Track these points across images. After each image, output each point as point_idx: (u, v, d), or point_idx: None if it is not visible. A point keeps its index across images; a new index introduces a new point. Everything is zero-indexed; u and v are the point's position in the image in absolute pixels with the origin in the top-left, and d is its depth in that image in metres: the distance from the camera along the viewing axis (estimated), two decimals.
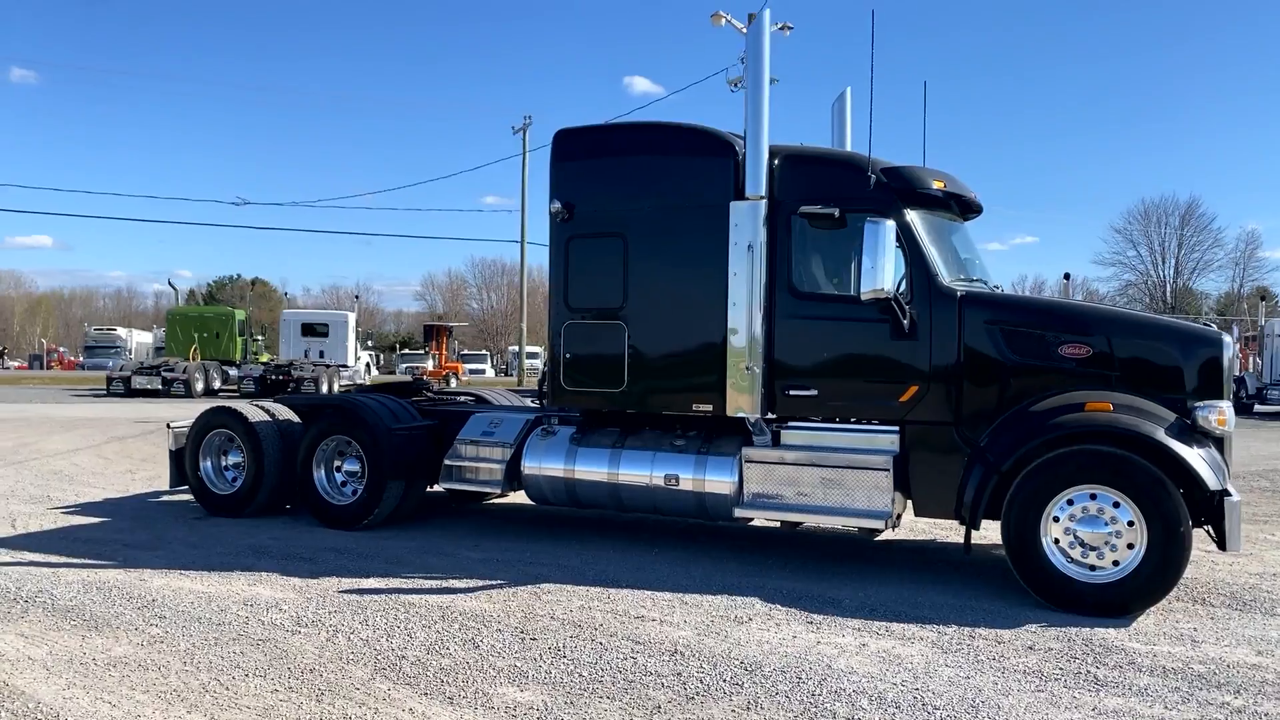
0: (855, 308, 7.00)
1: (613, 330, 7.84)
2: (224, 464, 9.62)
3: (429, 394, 10.40)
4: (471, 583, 6.89)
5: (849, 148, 9.46)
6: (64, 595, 6.42)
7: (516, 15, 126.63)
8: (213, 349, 35.95)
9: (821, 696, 4.74)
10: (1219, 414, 6.26)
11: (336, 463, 9.03)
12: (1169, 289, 79.12)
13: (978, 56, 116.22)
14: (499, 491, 8.46)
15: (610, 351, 7.85)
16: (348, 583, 6.86)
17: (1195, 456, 6.10)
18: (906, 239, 7.06)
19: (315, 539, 8.36)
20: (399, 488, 8.72)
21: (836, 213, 7.08)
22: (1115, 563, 6.23)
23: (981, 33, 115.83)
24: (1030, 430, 6.48)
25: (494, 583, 6.89)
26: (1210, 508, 6.24)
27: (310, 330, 38.44)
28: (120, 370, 34.10)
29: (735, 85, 22.54)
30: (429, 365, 44.63)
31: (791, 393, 7.35)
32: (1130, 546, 6.19)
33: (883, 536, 8.76)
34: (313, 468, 9.01)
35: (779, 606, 6.36)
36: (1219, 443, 6.52)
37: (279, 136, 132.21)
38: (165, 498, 10.66)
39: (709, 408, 7.49)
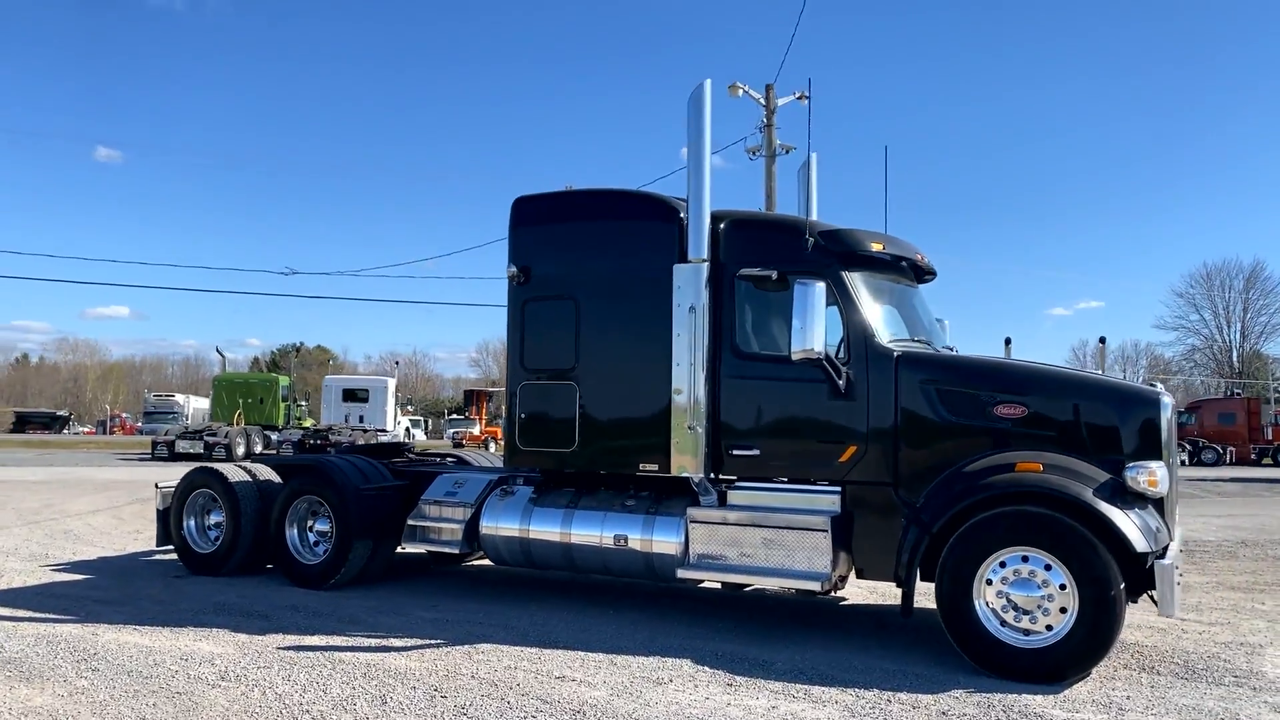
0: (794, 368, 7.04)
1: (565, 390, 7.96)
2: (207, 523, 9.85)
3: (410, 455, 10.58)
4: (410, 641, 6.95)
5: (814, 212, 9.60)
6: (13, 648, 6.61)
7: (559, 81, 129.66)
8: (256, 414, 36.79)
9: None
10: (1149, 475, 6.13)
11: (310, 522, 9.20)
12: (1235, 354, 77.20)
13: (1040, 116, 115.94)
14: (457, 551, 8.52)
15: (562, 412, 7.96)
16: (291, 639, 6.97)
17: (1122, 518, 5.98)
18: (843, 300, 7.12)
19: (280, 597, 8.50)
20: (366, 547, 8.85)
21: (774, 275, 7.17)
22: (1048, 627, 6.10)
23: (1039, 90, 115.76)
24: (960, 491, 6.42)
25: (433, 642, 6.95)
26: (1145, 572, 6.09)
27: (351, 395, 39.21)
28: (165, 435, 35.00)
29: (753, 154, 22.86)
30: (474, 430, 45.05)
31: (735, 452, 7.37)
32: (1063, 611, 6.06)
33: (849, 601, 8.67)
34: (285, 526, 9.19)
35: (707, 669, 6.31)
36: (1159, 505, 6.39)
37: (330, 203, 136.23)
38: (157, 556, 10.90)
39: (655, 467, 7.53)
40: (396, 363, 69.83)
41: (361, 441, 33.06)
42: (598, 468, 7.95)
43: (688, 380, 7.36)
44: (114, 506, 16.67)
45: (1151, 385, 7.03)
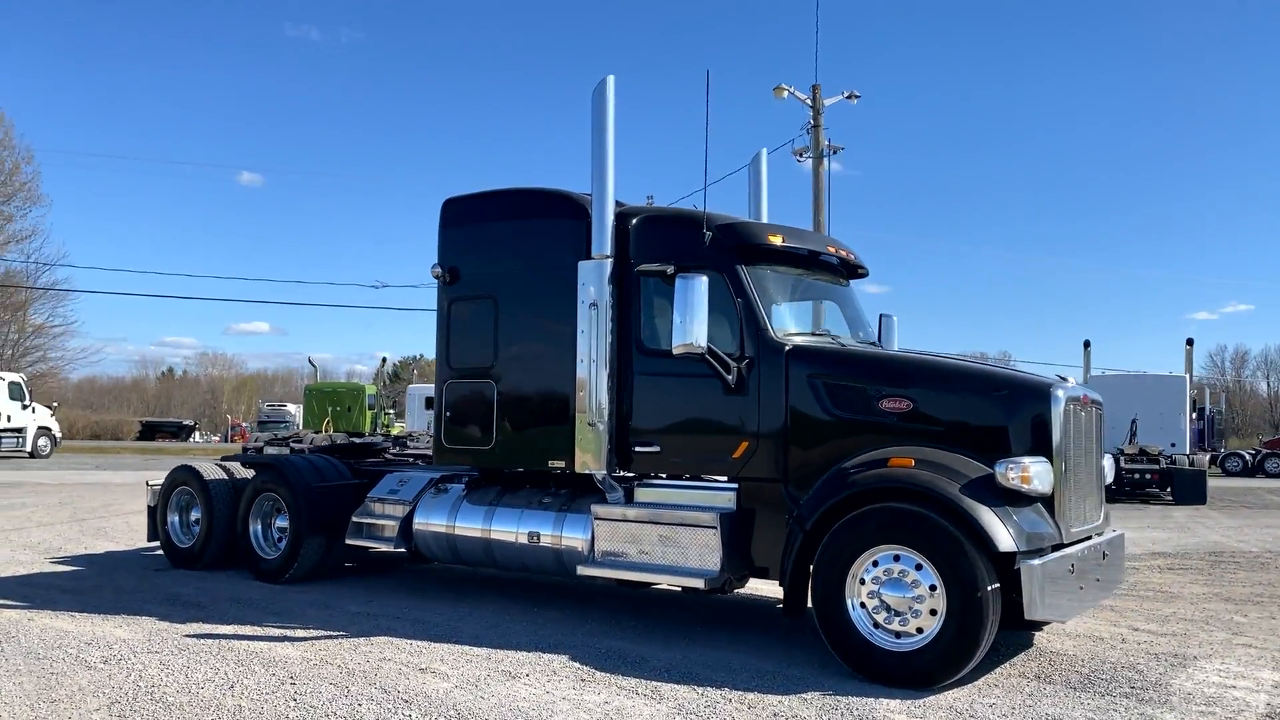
0: (692, 364, 6.94)
1: (484, 389, 8.05)
2: (190, 519, 10.30)
3: (386, 455, 10.82)
4: (314, 632, 7.14)
5: (764, 207, 9.46)
6: None
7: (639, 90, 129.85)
8: (345, 421, 38.10)
9: None
10: (1022, 471, 5.80)
11: (274, 519, 9.53)
12: None
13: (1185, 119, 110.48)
14: (392, 549, 8.67)
15: (481, 410, 8.05)
16: (204, 628, 7.23)
17: (988, 515, 5.68)
18: (737, 293, 6.99)
19: (233, 590, 8.82)
20: (319, 543, 9.11)
21: (670, 269, 7.10)
22: (919, 629, 5.85)
23: (1178, 93, 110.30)
24: (833, 488, 6.23)
25: (334, 633, 7.11)
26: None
27: (430, 403, 40.19)
28: (255, 441, 36.54)
29: (800, 156, 22.53)
30: None
31: (638, 449, 7.32)
32: (933, 613, 5.80)
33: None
34: (250, 522, 9.54)
35: (577, 665, 6.28)
36: (1048, 503, 6.05)
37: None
38: (159, 552, 11.44)
39: (562, 464, 7.54)
40: None
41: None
42: (512, 465, 8.02)
43: (591, 377, 7.35)
44: None
45: (1060, 378, 6.66)
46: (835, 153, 22.19)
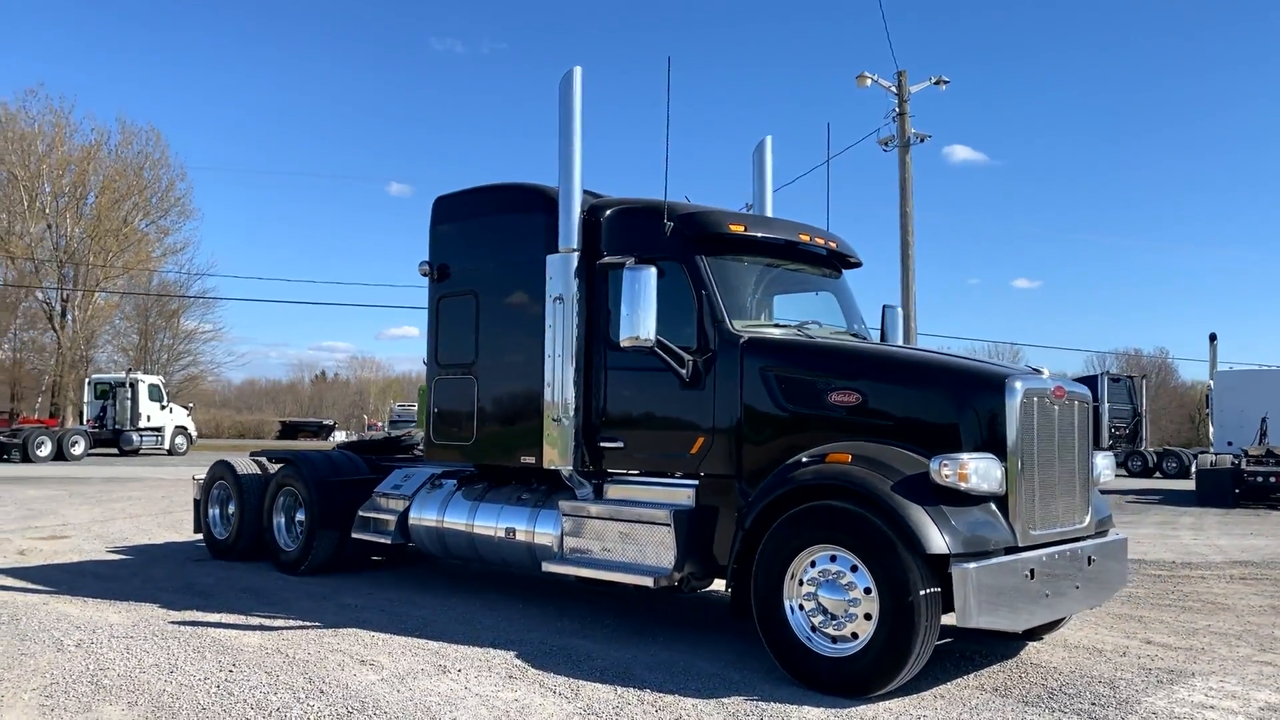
0: (654, 358, 6.79)
1: (467, 385, 8.09)
2: (228, 512, 10.74)
3: (415, 452, 11.01)
4: (290, 623, 7.32)
5: (768, 196, 9.19)
6: None
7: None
8: None
9: None
10: (959, 468, 5.41)
11: (296, 513, 9.83)
12: None
13: None
14: (390, 542, 8.81)
15: (464, 406, 8.09)
16: (194, 616, 7.52)
17: (919, 514, 5.32)
18: (695, 284, 6.79)
19: (248, 580, 9.15)
20: (331, 536, 9.34)
21: (632, 261, 6.94)
22: (854, 634, 5.55)
23: None
24: (771, 485, 5.97)
25: (309, 624, 7.27)
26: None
27: None
28: (360, 438, 38.06)
29: (886, 145, 21.83)
30: None
31: (604, 445, 7.21)
32: (868, 617, 5.49)
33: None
34: (273, 515, 9.88)
35: (518, 661, 6.23)
36: (1000, 503, 5.63)
37: None
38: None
39: (532, 460, 7.49)
40: None
41: None
42: (490, 461, 8.03)
43: (558, 372, 7.28)
44: None
45: (1035, 370, 6.20)
46: (921, 140, 21.39)
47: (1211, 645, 7.04)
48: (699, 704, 5.35)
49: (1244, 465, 20.85)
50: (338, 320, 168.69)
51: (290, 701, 5.30)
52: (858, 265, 7.97)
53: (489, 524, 7.89)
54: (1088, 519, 6.34)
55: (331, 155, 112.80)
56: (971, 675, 6.04)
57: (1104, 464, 6.76)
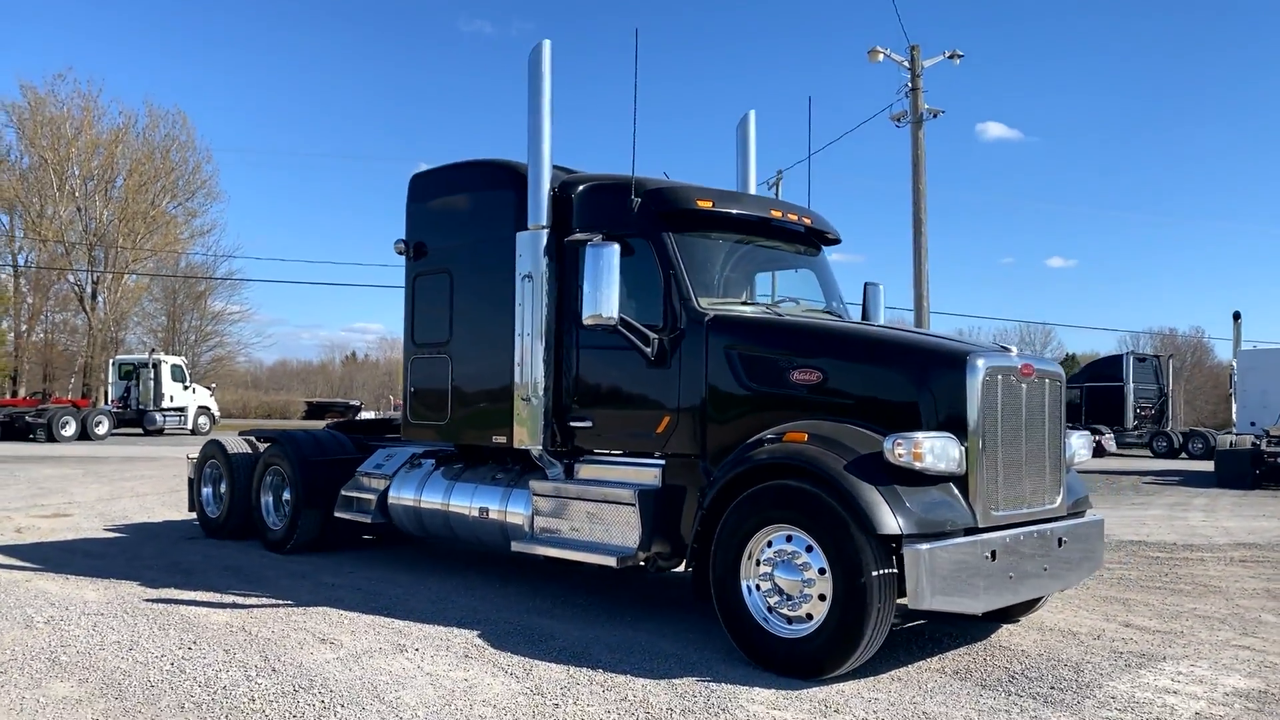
0: (621, 336, 6.71)
1: (442, 364, 8.05)
2: (220, 491, 10.81)
3: None
4: (262, 601, 7.35)
5: (752, 172, 9.06)
6: None
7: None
8: None
9: (318, 709, 4.70)
10: (913, 447, 5.29)
11: (284, 492, 9.86)
12: None
13: None
14: (370, 521, 8.80)
15: (439, 385, 8.06)
16: (170, 593, 7.55)
17: (873, 494, 5.22)
18: (662, 261, 6.69)
19: (233, 559, 9.20)
20: (315, 515, 9.36)
21: (599, 238, 6.85)
22: (809, 615, 5.47)
23: None
24: (729, 464, 5.88)
25: (280, 603, 7.29)
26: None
27: None
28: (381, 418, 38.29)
29: (899, 121, 21.51)
30: None
31: (573, 424, 7.15)
32: (822, 598, 5.41)
33: None
34: (262, 494, 9.92)
35: (479, 640, 6.21)
36: (960, 483, 5.52)
37: None
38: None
39: (504, 440, 7.44)
40: None
41: None
42: (464, 440, 7.99)
43: (527, 350, 7.22)
44: None
45: (1002, 348, 6.05)
46: (935, 116, 21.06)
47: (1192, 629, 6.89)
48: (649, 684, 5.30)
49: (1264, 446, 20.46)
50: (369, 302, 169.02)
51: (239, 679, 5.31)
52: (836, 242, 7.84)
53: (464, 503, 7.86)
54: (1059, 500, 6.19)
55: (359, 137, 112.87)
56: (935, 658, 5.95)
57: (1079, 444, 6.60)
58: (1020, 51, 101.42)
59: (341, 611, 6.99)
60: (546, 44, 7.27)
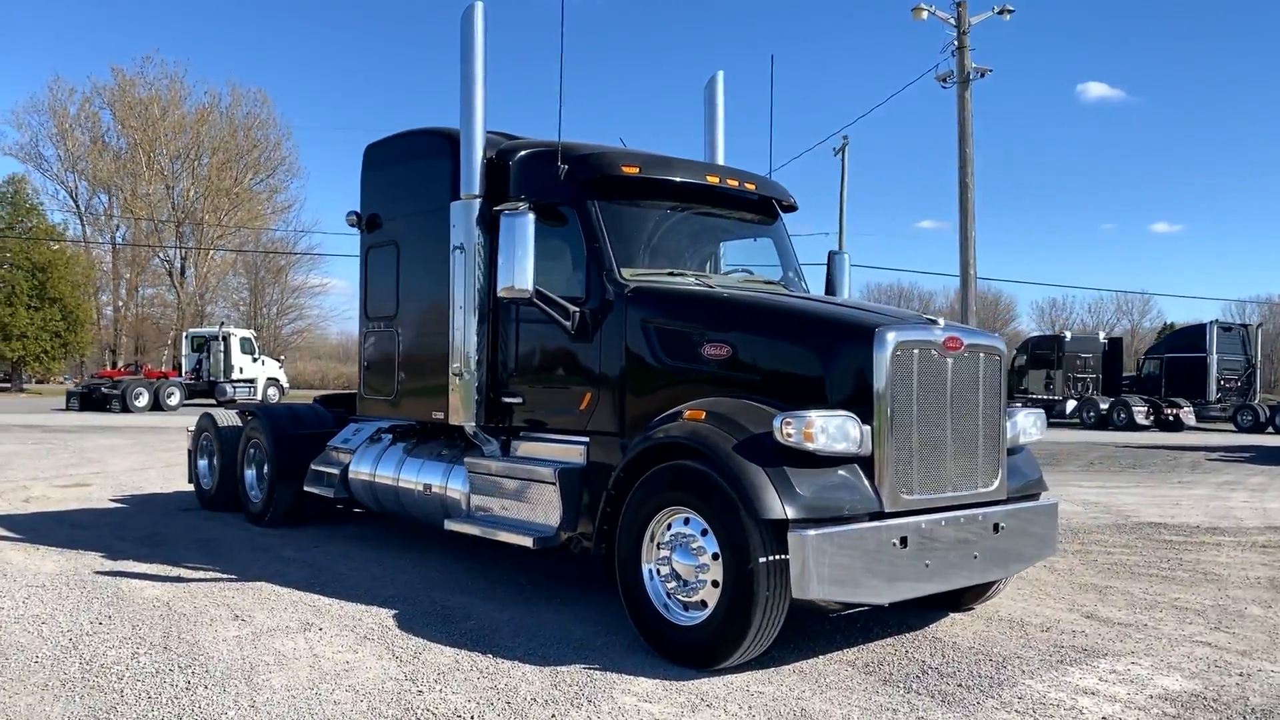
0: (539, 310, 6.48)
1: (390, 338, 7.93)
2: (213, 464, 10.95)
3: None
4: (206, 575, 7.37)
5: (719, 137, 8.69)
6: None
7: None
8: None
9: (179, 690, 4.65)
10: (804, 426, 4.93)
11: (265, 466, 9.92)
12: None
13: None
14: (333, 495, 8.75)
15: (387, 360, 7.94)
16: (124, 565, 7.64)
17: (760, 476, 4.89)
18: (586, 230, 6.42)
19: (211, 531, 9.30)
20: (291, 489, 9.37)
21: (526, 207, 6.60)
22: (703, 602, 5.21)
23: None
24: (633, 444, 5.62)
25: (224, 577, 7.30)
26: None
27: None
28: None
29: (944, 81, 20.60)
30: None
31: (505, 400, 6.96)
32: (715, 584, 5.13)
33: None
34: (245, 468, 10.00)
35: (389, 621, 6.10)
36: (865, 464, 5.15)
37: None
38: None
39: (441, 416, 7.29)
40: None
41: None
42: (408, 416, 7.87)
43: (460, 324, 7.04)
44: None
45: (930, 320, 5.61)
46: (982, 75, 20.10)
47: (1160, 621, 6.39)
48: (530, 671, 5.11)
49: None
50: None
51: (125, 657, 5.28)
52: (793, 209, 7.44)
53: (412, 479, 7.76)
54: (996, 482, 5.76)
55: (434, 112, 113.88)
56: (853, 649, 5.62)
57: (1028, 422, 6.14)
58: (1123, 6, 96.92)
59: (276, 588, 6.96)
60: (479, 5, 7.01)
